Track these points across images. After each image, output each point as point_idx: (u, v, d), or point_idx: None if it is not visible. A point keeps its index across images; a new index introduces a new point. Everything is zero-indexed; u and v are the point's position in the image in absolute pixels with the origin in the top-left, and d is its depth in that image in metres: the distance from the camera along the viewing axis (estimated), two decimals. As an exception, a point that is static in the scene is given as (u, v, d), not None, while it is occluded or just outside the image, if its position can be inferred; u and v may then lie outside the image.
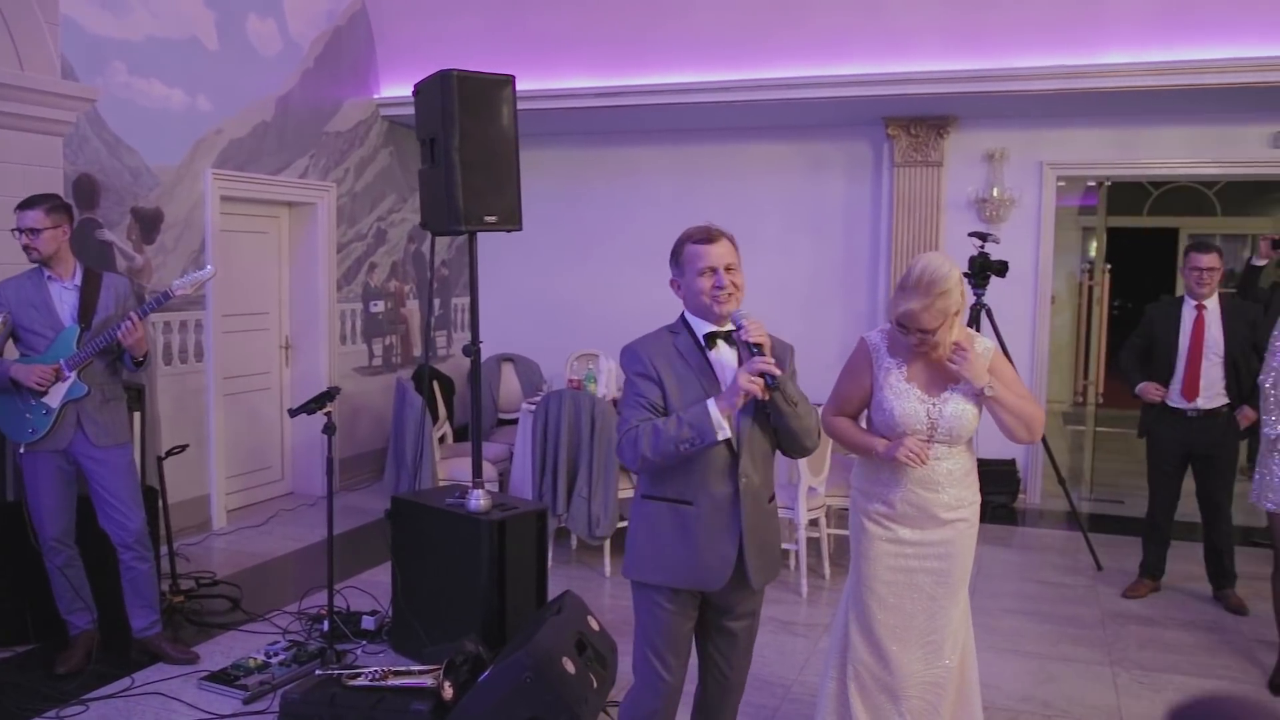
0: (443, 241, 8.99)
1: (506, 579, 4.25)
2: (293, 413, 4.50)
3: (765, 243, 7.87)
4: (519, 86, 4.58)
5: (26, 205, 4.19)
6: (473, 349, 4.52)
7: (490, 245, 8.04)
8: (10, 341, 4.27)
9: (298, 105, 7.22)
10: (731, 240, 2.90)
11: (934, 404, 3.07)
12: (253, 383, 7.27)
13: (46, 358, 4.19)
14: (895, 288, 3.10)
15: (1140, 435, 5.49)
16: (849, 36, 6.93)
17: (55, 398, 4.20)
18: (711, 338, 2.88)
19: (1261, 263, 6.53)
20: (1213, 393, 5.13)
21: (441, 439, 7.14)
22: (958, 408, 3.06)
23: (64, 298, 4.28)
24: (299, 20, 7.18)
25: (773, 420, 2.84)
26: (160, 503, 5.17)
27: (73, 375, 4.20)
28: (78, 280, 4.32)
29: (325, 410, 4.40)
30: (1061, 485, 6.56)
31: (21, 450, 4.24)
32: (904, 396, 3.08)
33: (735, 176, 8.29)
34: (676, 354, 2.85)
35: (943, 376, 3.09)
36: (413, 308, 8.72)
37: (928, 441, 3.07)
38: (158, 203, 6.13)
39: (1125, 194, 11.46)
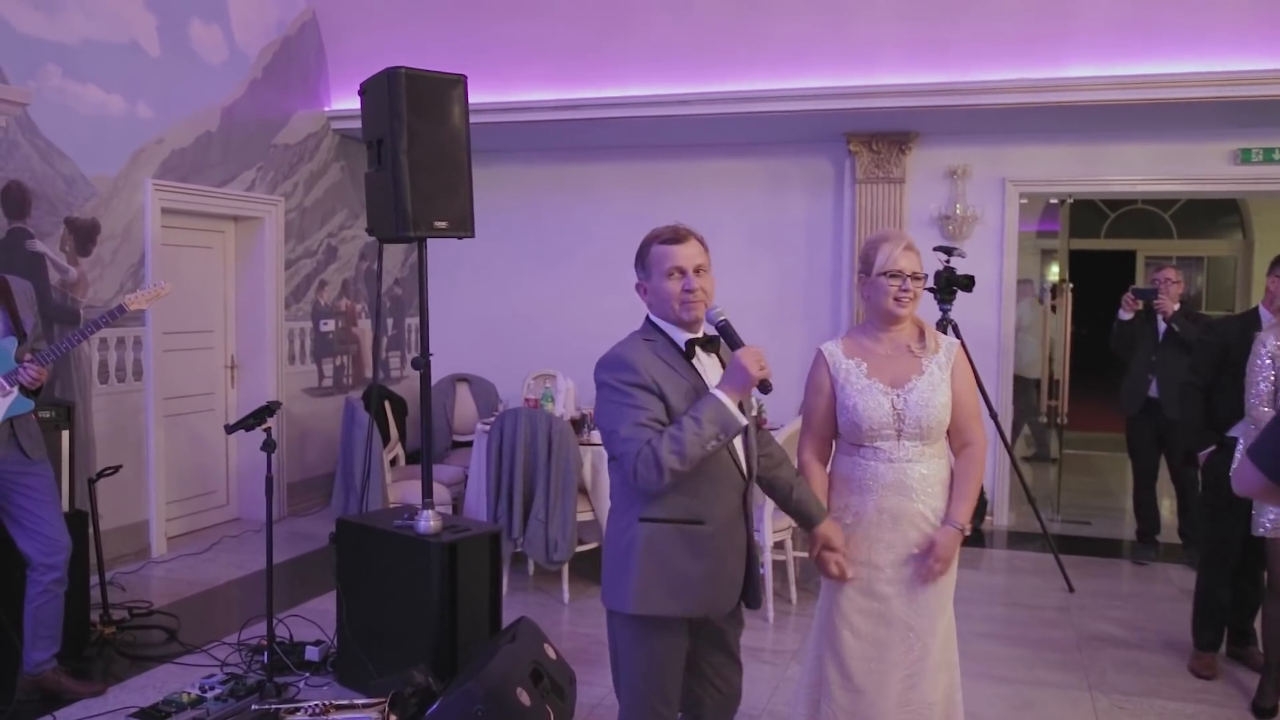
0: (396, 259, 8.77)
1: (458, 605, 4.00)
2: (230, 428, 4.25)
3: (726, 260, 7.55)
4: (473, 99, 4.40)
5: None
6: (422, 360, 4.29)
7: (445, 263, 7.83)
8: None
9: (244, 116, 6.97)
10: (701, 241, 2.74)
11: (898, 394, 2.91)
12: (196, 403, 6.96)
13: None
14: (861, 260, 3.02)
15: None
16: (810, 50, 6.83)
17: None
18: (691, 346, 2.68)
19: (1128, 316, 6.46)
20: None
21: (393, 461, 6.89)
22: (923, 395, 2.91)
23: None
24: (246, 29, 6.95)
25: None
26: (91, 527, 4.86)
27: (15, 391, 3.95)
28: None
29: (264, 426, 4.15)
30: (1032, 506, 6.44)
31: None
32: (867, 392, 2.93)
33: (695, 193, 8.12)
34: (662, 361, 2.63)
35: (905, 369, 2.95)
36: (365, 327, 8.46)
37: (896, 439, 2.92)
38: (94, 213, 5.85)
39: (1083, 216, 11.49)
